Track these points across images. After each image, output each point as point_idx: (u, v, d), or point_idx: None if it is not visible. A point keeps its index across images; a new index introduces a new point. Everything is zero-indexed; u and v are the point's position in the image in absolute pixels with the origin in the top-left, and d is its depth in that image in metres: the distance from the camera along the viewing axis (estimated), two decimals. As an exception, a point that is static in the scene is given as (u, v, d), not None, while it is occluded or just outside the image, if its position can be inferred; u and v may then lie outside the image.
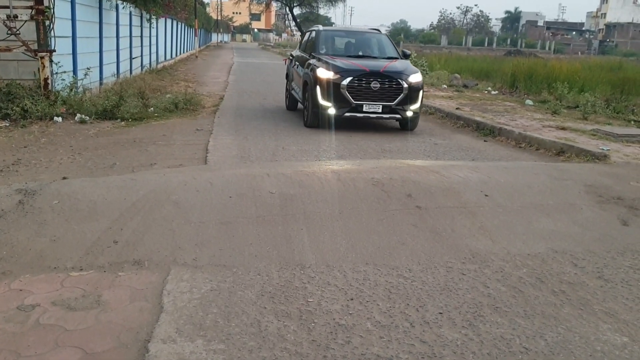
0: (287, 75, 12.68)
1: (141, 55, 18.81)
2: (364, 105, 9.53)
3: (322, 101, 9.55)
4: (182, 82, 17.43)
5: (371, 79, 9.58)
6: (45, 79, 10.19)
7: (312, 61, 10.39)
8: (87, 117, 9.84)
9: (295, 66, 11.66)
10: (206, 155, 7.40)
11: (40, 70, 10.19)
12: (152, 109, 10.94)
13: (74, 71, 11.79)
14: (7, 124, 9.44)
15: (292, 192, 5.13)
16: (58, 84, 10.76)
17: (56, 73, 10.71)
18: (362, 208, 4.87)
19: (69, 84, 10.86)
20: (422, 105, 10.21)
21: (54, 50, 10.41)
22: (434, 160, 7.18)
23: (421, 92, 10.02)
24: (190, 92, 13.47)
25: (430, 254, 4.16)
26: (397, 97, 9.66)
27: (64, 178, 5.92)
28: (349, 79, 9.52)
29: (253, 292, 3.54)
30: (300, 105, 11.34)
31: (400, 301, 3.48)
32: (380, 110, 9.64)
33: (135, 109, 10.61)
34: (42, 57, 10.15)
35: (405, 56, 11.33)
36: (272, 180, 5.40)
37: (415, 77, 9.97)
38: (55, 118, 9.67)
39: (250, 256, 4.03)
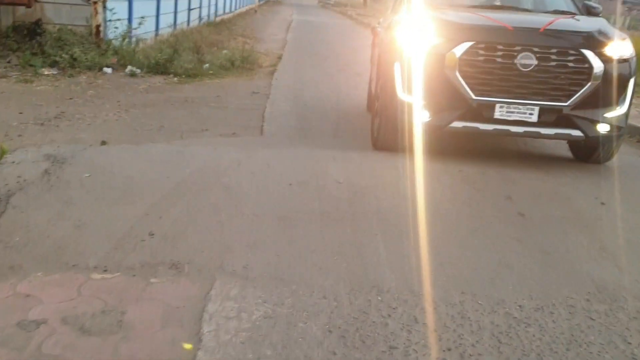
0: (371, 58, 8.02)
1: (200, 7, 17.94)
2: (498, 107, 4.80)
3: (402, 95, 4.98)
4: (239, 38, 16.50)
5: (517, 48, 4.76)
6: (97, 26, 9.45)
7: (396, 17, 6.13)
8: (138, 70, 9.06)
9: (379, 34, 7.29)
10: (262, 125, 6.51)
11: (93, 16, 9.43)
12: (207, 65, 10.09)
13: (129, 19, 11.01)
14: (55, 73, 8.75)
15: (362, 183, 4.20)
16: (111, 32, 10.01)
17: (109, 20, 9.95)
18: (450, 210, 3.91)
19: (122, 33, 10.09)
20: (629, 109, 5.13)
21: (108, -4, 9.62)
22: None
23: (632, 80, 5.07)
24: (248, 49, 12.56)
25: (544, 284, 3.18)
26: (577, 90, 4.76)
27: (103, 143, 5.14)
28: (464, 45, 4.76)
29: (318, 326, 2.67)
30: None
31: (516, 359, 2.55)
32: (535, 119, 4.82)
33: (190, 64, 9.79)
34: (95, 2, 9.39)
35: (590, 13, 5.87)
36: (338, 165, 4.49)
37: (620, 48, 4.98)
38: (105, 69, 8.93)
39: (313, 268, 3.15)
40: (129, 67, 9.05)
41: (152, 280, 2.96)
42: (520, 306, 2.98)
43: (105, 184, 3.91)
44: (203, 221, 3.52)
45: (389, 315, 2.80)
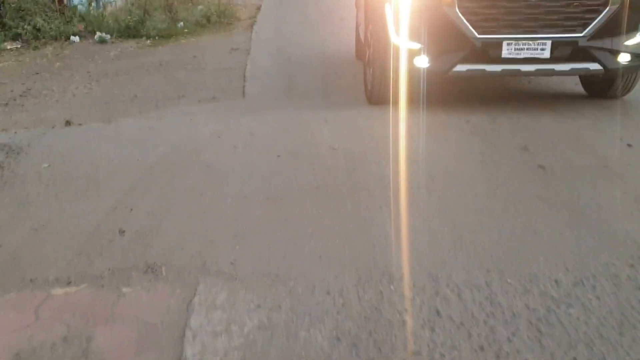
0: (356, 1, 7.36)
1: (170, -38, 16.89)
2: (505, 45, 4.27)
3: (396, 39, 4.42)
4: (215, -9, 15.60)
5: None
6: (59, -8, 8.69)
7: None
8: (108, 36, 8.38)
9: None
10: (244, 85, 5.94)
11: (53, -19, 8.67)
12: (181, 23, 9.40)
13: (94, -18, 10.21)
14: (19, 46, 8.09)
15: (360, 147, 3.69)
16: (75, -2, 9.26)
17: (72, -16, 9.19)
18: (462, 171, 3.42)
19: (87, -2, 9.34)
20: None
21: (67, -43, 8.84)
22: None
23: None
24: (224, 3, 11.78)
25: (578, 251, 2.73)
26: (593, 18, 4.21)
27: (67, 123, 4.60)
28: None
29: (324, 333, 2.22)
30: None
31: (562, 353, 2.11)
32: (547, 54, 4.27)
33: (163, 24, 9.09)
34: (53, -34, 8.62)
35: None
36: (331, 128, 3.98)
37: None
38: (72, 37, 8.26)
39: (312, 257, 2.68)
40: (98, 34, 8.37)
41: (124, 289, 2.49)
42: (556, 281, 2.53)
43: (67, 175, 3.39)
44: (181, 210, 3.02)
45: (406, 310, 2.35)
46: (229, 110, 4.88)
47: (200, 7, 10.99)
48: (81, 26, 8.56)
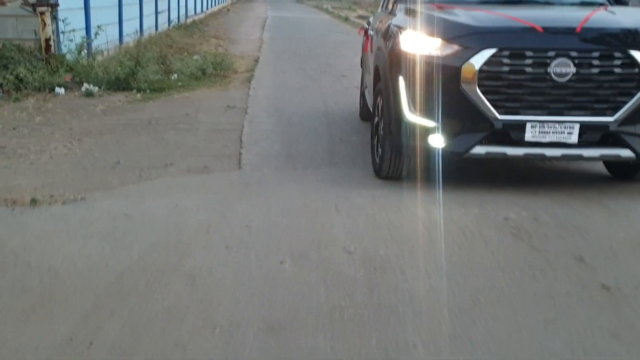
0: (362, 61, 7.03)
1: (168, 9, 16.56)
2: (529, 127, 3.84)
3: (410, 115, 4.02)
4: (212, 40, 15.18)
5: (551, 54, 3.76)
6: (47, 40, 8.12)
7: (394, 19, 4.83)
8: (96, 88, 7.75)
9: (371, 40, 5.89)
10: (240, 152, 5.27)
11: (41, 29, 8.08)
12: (175, 76, 8.81)
13: (87, 29, 9.67)
14: (-1, 96, 7.42)
15: (380, 249, 3.01)
16: (65, 46, 8.67)
17: (62, 32, 8.60)
18: (510, 289, 2.72)
19: (77, 46, 8.75)
20: None
21: (57, 4, 8.27)
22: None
23: None
24: (221, 53, 11.27)
25: None
26: (625, 101, 3.81)
27: (33, 202, 3.88)
28: (484, 53, 3.77)
29: None
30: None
31: None
32: (574, 139, 3.85)
33: (155, 76, 8.49)
34: (42, 13, 8.04)
35: (619, 1, 4.91)
36: (344, 220, 3.30)
37: None
38: (57, 89, 7.62)
39: None
40: (85, 85, 7.74)
41: None
42: None
43: (17, 285, 2.67)
44: (154, 345, 2.29)
45: None
46: (222, 187, 4.19)
47: (196, 57, 10.46)
48: (68, 77, 7.93)
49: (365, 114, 6.46)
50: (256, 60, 11.43)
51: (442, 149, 3.94)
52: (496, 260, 2.96)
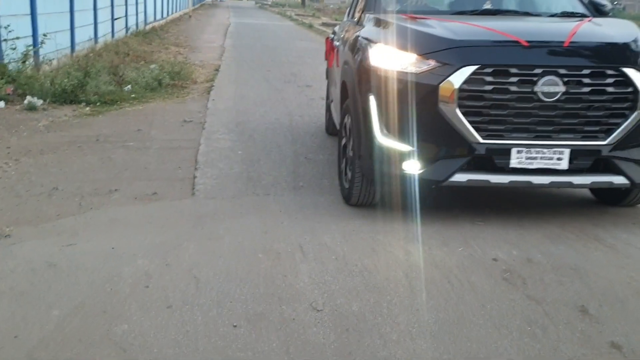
0: (327, 73, 6.49)
1: (126, 15, 15.80)
2: (515, 153, 3.41)
3: (381, 138, 3.55)
4: (172, 47, 14.50)
5: (538, 71, 3.33)
6: (-15, 49, 7.37)
7: (362, 31, 4.25)
8: (40, 101, 7.07)
9: (337, 51, 5.28)
10: (194, 175, 4.70)
11: (-22, 37, 7.36)
12: (129, 87, 8.17)
13: (33, 37, 8.92)
14: None
15: (354, 306, 2.50)
16: (7, 55, 7.93)
17: (4, 40, 7.87)
18: (504, 355, 2.24)
19: (22, 55, 8.02)
20: None
21: (-4, 11, 7.55)
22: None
23: None
24: (180, 62, 10.66)
25: None
26: (618, 123, 3.41)
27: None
28: (464, 70, 3.33)
29: None
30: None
31: None
32: (564, 165, 3.44)
33: (107, 87, 7.83)
34: (-21, 20, 7.32)
35: (599, 12, 4.49)
36: (311, 266, 2.80)
37: None
38: (-4, 103, 6.88)
39: None
40: (28, 98, 7.04)
41: None
42: None
43: None
44: None
45: None
46: (170, 220, 3.63)
47: (153, 66, 9.81)
48: (9, 89, 7.22)
49: (332, 128, 5.97)
50: (217, 70, 10.84)
51: (419, 175, 3.47)
52: (489, 316, 2.48)
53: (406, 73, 3.44)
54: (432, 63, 3.39)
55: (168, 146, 5.65)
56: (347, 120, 4.11)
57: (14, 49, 7.95)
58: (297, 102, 7.92)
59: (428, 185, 3.58)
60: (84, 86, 7.44)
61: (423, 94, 3.37)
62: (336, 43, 5.43)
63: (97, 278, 2.67)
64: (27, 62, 7.98)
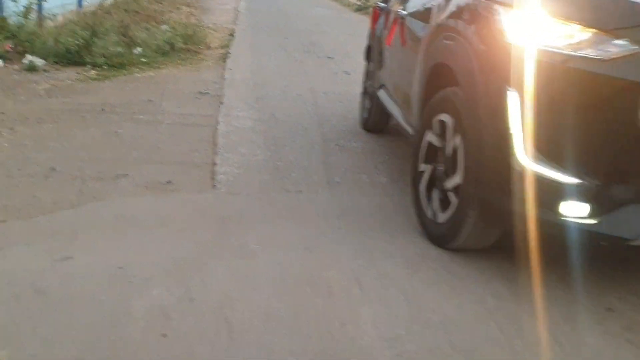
0: (369, 52, 5.26)
1: (136, -29, 14.71)
2: None
3: (528, 161, 2.23)
4: (183, 8, 13.55)
5: None
6: (-17, 0, 6.56)
7: None
8: (42, 61, 6.30)
9: (403, 25, 3.91)
10: (214, 161, 4.01)
11: (-24, -15, 6.53)
12: (139, 49, 7.37)
13: (38, -11, 8.06)
14: None
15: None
16: (8, 7, 7.12)
17: (5, -10, 7.05)
18: None
19: (24, 8, 7.19)
20: None
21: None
22: None
23: None
24: (193, 24, 9.81)
25: None
26: None
27: None
28: None
29: None
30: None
31: None
32: None
33: (115, 48, 7.04)
34: (-24, -34, 6.49)
35: None
36: (374, 310, 2.12)
37: None
38: (-7, 60, 6.12)
39: None
40: (28, 57, 6.27)
41: None
42: None
43: None
44: None
45: None
46: (188, 223, 2.96)
47: (164, 27, 8.98)
48: (8, 45, 6.45)
49: (375, 125, 4.92)
50: (231, 34, 10.00)
51: (590, 226, 2.15)
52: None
53: (578, 59, 2.12)
54: (627, 45, 2.07)
55: (183, 122, 4.93)
56: (448, 124, 2.74)
57: (16, 0, 7.12)
58: (319, 76, 7.16)
59: (602, 241, 2.20)
60: (90, 46, 6.66)
61: (609, 95, 2.09)
62: (402, 13, 3.95)
63: (98, 317, 2.00)
64: (29, 17, 7.16)
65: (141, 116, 5.03)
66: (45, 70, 6.19)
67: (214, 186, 3.60)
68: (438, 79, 2.93)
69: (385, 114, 4.53)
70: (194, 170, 3.89)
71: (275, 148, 4.41)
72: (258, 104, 5.64)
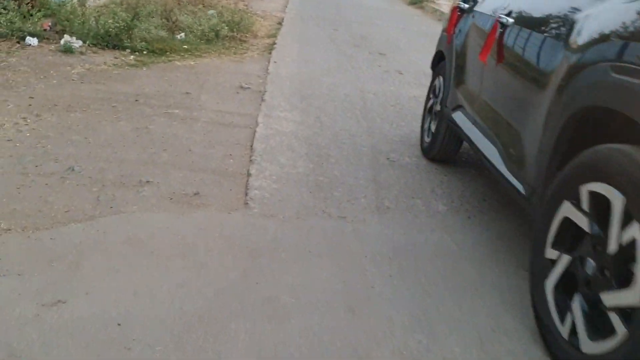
0: (439, 61, 4.24)
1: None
2: None
3: None
4: (232, -8, 13.07)
5: None
6: (24, -26, 6.21)
7: None
8: (79, 42, 5.90)
9: (501, 34, 2.81)
10: (248, 171, 3.51)
11: (17, -41, 6.18)
12: (182, 35, 6.92)
13: (84, -35, 7.69)
14: (-48, 43, 5.60)
15: None
16: (51, -17, 6.74)
17: (49, -34, 6.67)
18: None
19: (67, -16, 6.81)
20: None
21: None
22: None
23: None
24: (241, 10, 9.31)
25: None
26: None
27: None
28: None
29: None
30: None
31: None
32: None
33: (157, 32, 6.60)
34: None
35: None
36: None
37: None
38: (29, 39, 5.77)
39: None
40: (66, 37, 5.87)
41: None
42: None
43: None
44: None
45: None
46: (212, 255, 2.46)
47: (211, 12, 8.50)
48: (46, 24, 6.08)
49: (442, 154, 3.95)
50: (280, 23, 9.48)
51: None
52: None
53: None
54: None
55: (219, 121, 4.45)
56: (615, 203, 1.72)
57: (59, -23, 6.74)
58: (369, 75, 6.57)
59: None
60: (131, 29, 6.23)
61: None
62: (504, 18, 2.84)
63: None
64: (71, -6, 6.79)
65: (176, 111, 4.57)
66: (81, 53, 5.79)
67: (246, 203, 3.09)
68: (590, 128, 2.04)
69: (457, 141, 3.77)
70: (226, 180, 3.39)
71: (318, 159, 3.87)
72: (302, 104, 5.10)
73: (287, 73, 6.16)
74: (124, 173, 3.38)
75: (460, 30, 3.78)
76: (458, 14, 3.86)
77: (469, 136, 3.25)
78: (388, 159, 4.04)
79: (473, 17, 3.60)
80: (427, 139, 4.16)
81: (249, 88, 5.40)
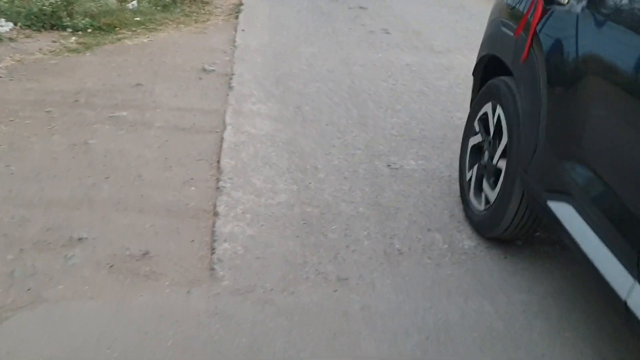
0: (497, 85, 2.39)
1: None
2: None
3: None
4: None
5: None
6: None
7: None
8: (9, 25, 4.82)
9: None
10: (215, 207, 2.63)
11: None
12: (134, 3, 5.80)
13: None
14: None
15: None
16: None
17: None
18: None
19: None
20: None
21: None
22: None
23: None
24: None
25: None
26: None
27: None
28: None
29: None
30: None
31: None
32: None
33: (104, 3, 5.49)
34: None
35: None
36: None
37: None
38: (-57, 26, 4.65)
39: None
40: (-9, 20, 4.77)
41: None
42: None
43: None
44: None
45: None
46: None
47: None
48: (-32, 5, 4.93)
49: (516, 231, 2.29)
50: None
51: None
52: None
53: None
54: None
55: (177, 124, 3.51)
56: None
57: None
58: (352, 38, 5.56)
59: None
60: (71, 4, 5.12)
61: None
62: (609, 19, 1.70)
63: None
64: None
65: (124, 113, 3.62)
66: (11, 39, 4.71)
67: (212, 269, 2.24)
68: None
69: (535, 219, 2.23)
70: (186, 225, 2.52)
71: (303, 177, 2.99)
72: (278, 89, 4.15)
73: (258, 44, 5.13)
74: (51, 225, 2.49)
75: (546, 35, 2.04)
76: (545, 8, 2.06)
77: (587, 257, 1.69)
78: (388, 165, 3.16)
79: (597, 21, 1.80)
80: (477, 206, 2.53)
81: (213, 70, 4.40)
